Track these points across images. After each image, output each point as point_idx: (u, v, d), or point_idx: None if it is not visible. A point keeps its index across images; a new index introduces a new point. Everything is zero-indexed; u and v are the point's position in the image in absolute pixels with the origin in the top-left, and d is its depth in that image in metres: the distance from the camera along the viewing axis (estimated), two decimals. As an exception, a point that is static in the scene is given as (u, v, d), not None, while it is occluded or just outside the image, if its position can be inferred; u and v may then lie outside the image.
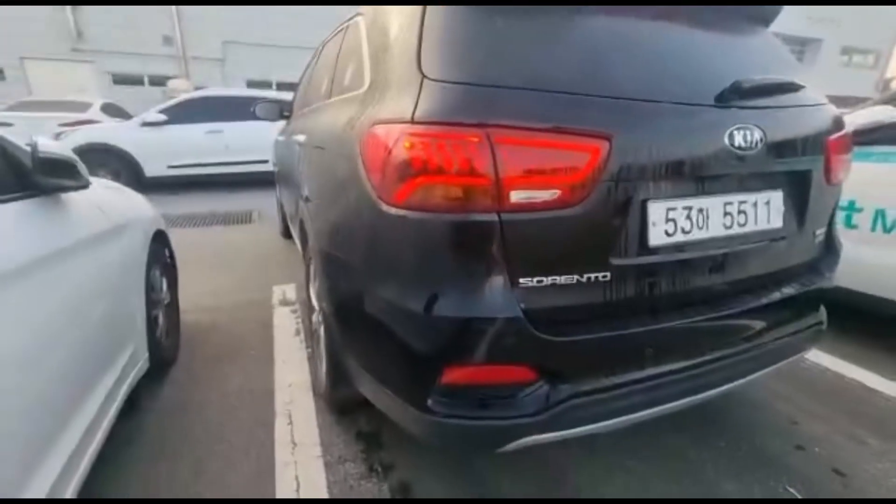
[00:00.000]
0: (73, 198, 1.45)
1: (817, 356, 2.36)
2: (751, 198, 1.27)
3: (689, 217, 1.17)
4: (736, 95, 1.18)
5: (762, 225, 1.31)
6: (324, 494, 1.48)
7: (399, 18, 1.27)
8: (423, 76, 1.06)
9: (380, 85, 1.26)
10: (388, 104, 1.15)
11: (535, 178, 0.99)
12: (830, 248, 1.56)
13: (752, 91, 1.19)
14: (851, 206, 2.38)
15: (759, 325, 1.38)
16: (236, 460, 1.63)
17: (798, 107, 1.34)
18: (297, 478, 1.55)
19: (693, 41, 1.28)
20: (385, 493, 1.49)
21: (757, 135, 1.18)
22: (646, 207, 1.11)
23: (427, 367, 1.08)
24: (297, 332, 2.59)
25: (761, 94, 1.23)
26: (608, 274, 1.10)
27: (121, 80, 16.50)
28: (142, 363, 1.81)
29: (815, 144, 1.36)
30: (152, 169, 6.74)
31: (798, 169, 1.35)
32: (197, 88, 10.13)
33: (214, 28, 16.74)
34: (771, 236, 1.34)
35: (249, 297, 3.07)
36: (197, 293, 3.06)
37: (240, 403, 1.95)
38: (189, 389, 2.06)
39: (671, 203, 1.14)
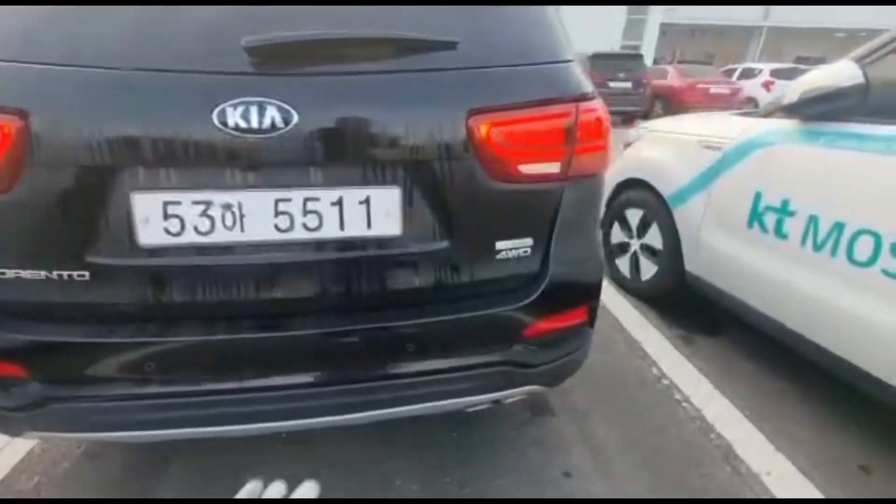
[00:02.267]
0: None
1: (707, 403, 1.81)
2: (327, 195, 0.99)
3: (206, 214, 0.97)
4: (259, 60, 0.90)
5: (356, 230, 1.02)
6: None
7: None
8: None
9: None
10: None
11: None
12: (544, 267, 1.15)
13: (268, 53, 0.89)
14: (784, 209, 1.70)
15: (360, 354, 1.10)
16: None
17: (402, 72, 0.97)
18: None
19: None
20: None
21: (274, 114, 0.89)
22: (129, 199, 0.94)
23: None
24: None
25: (293, 58, 0.92)
26: (86, 273, 0.97)
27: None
28: None
29: (440, 126, 0.98)
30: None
31: (415, 159, 1.00)
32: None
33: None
34: (380, 246, 1.04)
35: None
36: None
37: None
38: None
39: (171, 196, 0.95)
